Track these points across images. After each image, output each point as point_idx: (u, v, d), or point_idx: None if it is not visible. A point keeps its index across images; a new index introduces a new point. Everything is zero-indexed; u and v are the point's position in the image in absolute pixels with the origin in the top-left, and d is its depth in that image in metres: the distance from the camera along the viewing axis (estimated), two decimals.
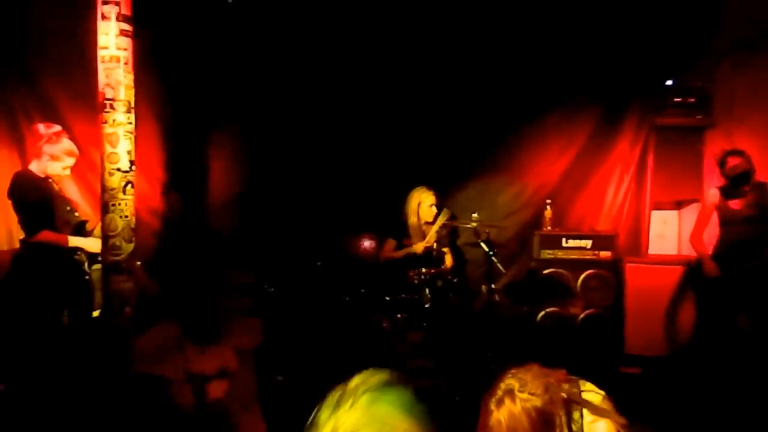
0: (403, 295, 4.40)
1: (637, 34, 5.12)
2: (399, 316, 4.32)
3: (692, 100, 5.17)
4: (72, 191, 4.57)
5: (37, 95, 5.04)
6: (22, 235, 4.37)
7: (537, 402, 1.48)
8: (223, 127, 5.50)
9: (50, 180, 4.11)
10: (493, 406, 1.48)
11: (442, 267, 4.70)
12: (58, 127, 4.12)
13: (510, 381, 1.52)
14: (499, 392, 1.51)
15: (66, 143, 4.07)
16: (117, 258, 3.48)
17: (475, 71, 5.23)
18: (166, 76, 4.87)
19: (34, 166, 4.03)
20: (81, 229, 4.28)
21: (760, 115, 4.91)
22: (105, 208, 3.48)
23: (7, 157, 5.08)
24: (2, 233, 5.09)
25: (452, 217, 4.81)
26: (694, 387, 4.20)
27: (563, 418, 1.50)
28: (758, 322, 4.32)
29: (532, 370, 1.55)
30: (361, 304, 4.33)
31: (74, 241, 4.07)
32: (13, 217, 4.75)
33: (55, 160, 4.01)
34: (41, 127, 4.04)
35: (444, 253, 4.81)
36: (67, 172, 4.14)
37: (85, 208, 4.73)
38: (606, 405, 1.58)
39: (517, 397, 1.48)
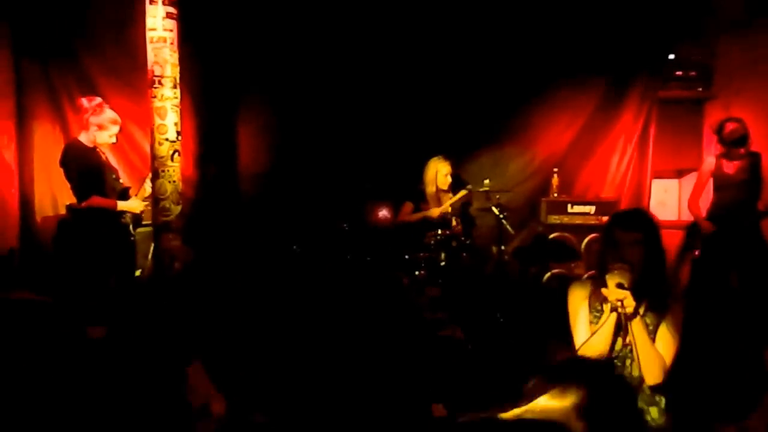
0: (421, 255, 4.75)
1: (640, 9, 5.35)
2: (417, 273, 4.69)
3: (693, 73, 5.42)
4: (111, 161, 4.89)
5: (78, 73, 5.38)
6: (66, 202, 4.75)
7: None
8: (253, 100, 5.77)
9: (98, 150, 4.46)
10: None
11: (455, 229, 5.02)
12: (99, 99, 4.37)
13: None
14: None
15: (109, 112, 4.32)
16: (167, 218, 3.87)
17: (488, 47, 5.50)
18: (198, 51, 5.08)
19: (84, 137, 4.31)
20: (125, 196, 4.62)
21: (757, 88, 5.12)
22: (155, 174, 3.86)
23: (50, 130, 5.45)
24: (47, 200, 5.46)
25: (469, 192, 5.09)
26: (688, 341, 4.55)
27: None
28: (746, 279, 4.65)
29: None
30: (383, 263, 4.69)
31: (122, 204, 4.42)
32: (58, 185, 5.15)
33: (102, 129, 4.28)
34: (84, 101, 4.31)
35: (456, 216, 5.13)
36: (114, 139, 4.39)
37: (123, 178, 5.09)
38: None
39: None
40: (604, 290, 2.05)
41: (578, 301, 2.22)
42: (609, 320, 2.05)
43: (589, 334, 2.08)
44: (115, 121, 4.36)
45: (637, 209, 2.50)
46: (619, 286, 1.98)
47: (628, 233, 2.10)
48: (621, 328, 2.09)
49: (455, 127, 5.56)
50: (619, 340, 2.12)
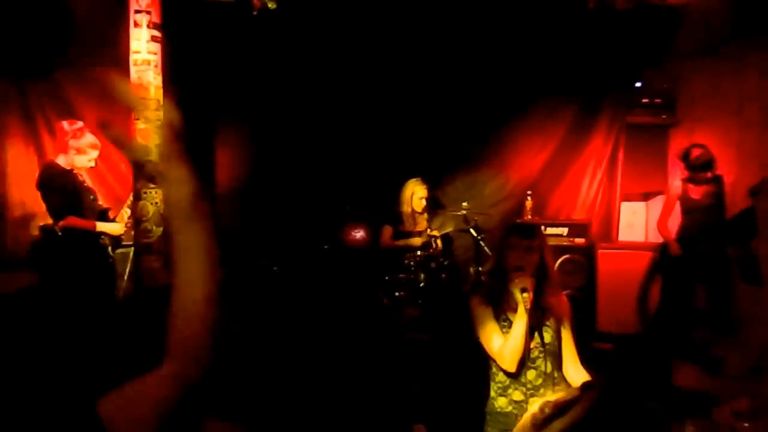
0: (400, 276, 4.82)
1: (609, 40, 5.55)
2: (397, 294, 4.75)
3: (658, 100, 5.64)
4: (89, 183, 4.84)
5: (55, 94, 5.32)
6: (40, 223, 4.69)
7: None
8: (232, 121, 5.79)
9: (75, 172, 4.43)
10: None
11: (434, 250, 5.12)
12: (80, 123, 4.41)
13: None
14: None
15: (89, 137, 4.35)
16: (149, 240, 3.87)
17: (465, 74, 5.66)
18: (175, 74, 5.09)
19: (62, 160, 4.30)
20: (104, 217, 4.59)
21: (718, 114, 5.37)
22: (137, 195, 3.86)
23: (23, 152, 5.37)
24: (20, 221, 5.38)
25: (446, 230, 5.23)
26: (658, 360, 4.68)
27: None
28: (714, 300, 4.83)
29: None
30: (364, 284, 4.73)
31: (100, 226, 4.40)
32: (31, 205, 5.08)
33: (81, 153, 4.29)
34: (65, 124, 4.31)
35: (436, 238, 5.24)
36: (92, 163, 4.40)
37: (101, 199, 5.03)
38: None
39: None
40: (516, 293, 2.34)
41: (485, 312, 2.45)
42: (521, 323, 2.31)
43: (505, 340, 2.36)
44: (94, 145, 4.36)
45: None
46: (523, 290, 2.30)
47: (525, 240, 2.45)
48: (533, 329, 2.38)
49: (433, 150, 5.68)
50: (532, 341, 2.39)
